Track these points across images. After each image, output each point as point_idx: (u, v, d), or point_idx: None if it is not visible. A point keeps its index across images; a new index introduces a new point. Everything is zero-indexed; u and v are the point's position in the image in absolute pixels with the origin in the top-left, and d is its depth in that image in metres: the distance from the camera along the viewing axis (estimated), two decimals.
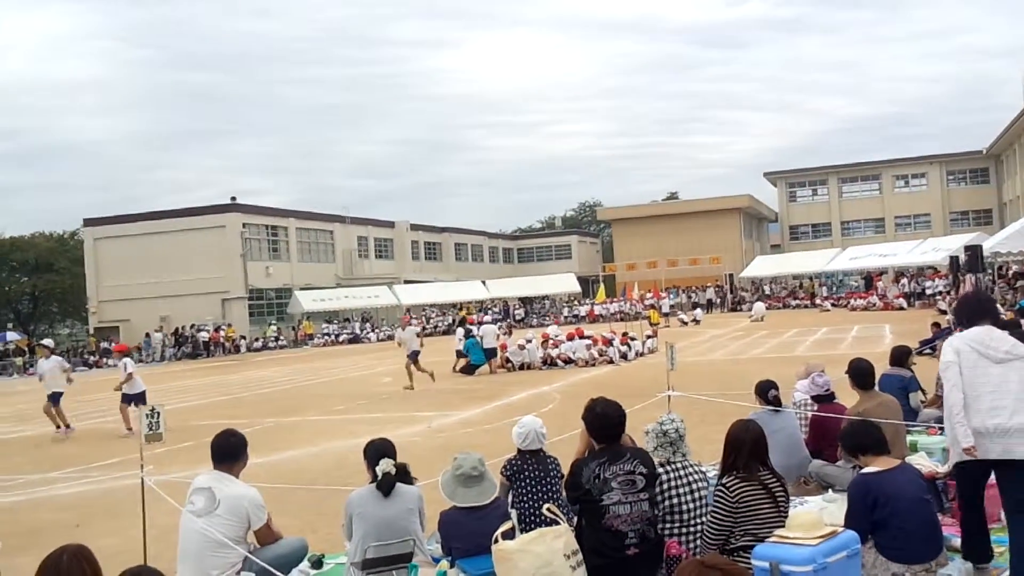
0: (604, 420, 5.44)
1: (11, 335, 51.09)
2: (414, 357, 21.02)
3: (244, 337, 49.90)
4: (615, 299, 52.86)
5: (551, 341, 25.88)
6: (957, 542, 5.67)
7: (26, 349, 48.47)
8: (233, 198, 54.32)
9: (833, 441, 7.21)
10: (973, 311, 5.73)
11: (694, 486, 5.59)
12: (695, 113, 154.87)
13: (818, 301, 49.88)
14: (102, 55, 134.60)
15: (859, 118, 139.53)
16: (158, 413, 6.42)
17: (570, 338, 25.57)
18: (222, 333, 48.88)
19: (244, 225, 52.82)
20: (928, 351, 15.48)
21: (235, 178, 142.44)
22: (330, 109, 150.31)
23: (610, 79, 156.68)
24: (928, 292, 43.27)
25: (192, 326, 49.05)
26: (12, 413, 22.66)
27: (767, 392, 7.94)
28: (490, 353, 24.40)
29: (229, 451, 6.23)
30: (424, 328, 53.99)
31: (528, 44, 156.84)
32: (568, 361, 24.30)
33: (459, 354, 24.95)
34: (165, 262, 51.25)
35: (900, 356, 10.18)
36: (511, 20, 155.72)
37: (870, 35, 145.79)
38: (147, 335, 48.68)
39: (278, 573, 5.76)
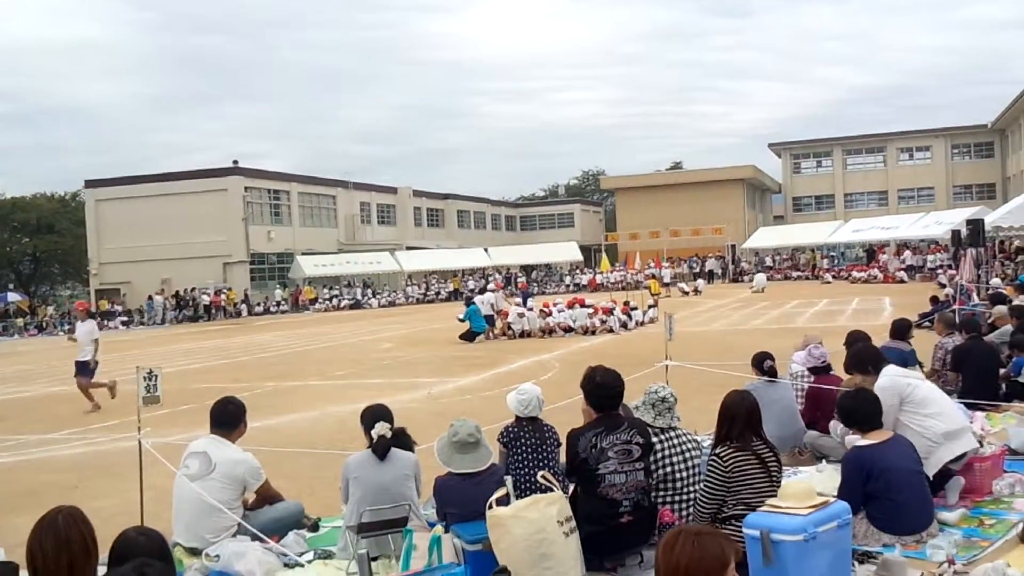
0: (603, 389, 5.47)
1: (12, 296, 51.19)
2: (85, 371, 14.85)
3: (245, 301, 49.95)
4: (617, 268, 52.83)
5: (550, 309, 25.89)
6: (947, 515, 5.71)
7: (27, 310, 48.61)
8: (235, 162, 54.19)
9: (828, 413, 7.25)
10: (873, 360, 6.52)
11: (688, 455, 5.63)
12: (701, 82, 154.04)
13: (819, 273, 49.85)
14: (105, 17, 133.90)
15: (866, 88, 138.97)
16: (155, 376, 6.43)
17: (570, 306, 25.58)
18: (223, 297, 48.89)
19: (246, 189, 52.69)
20: (927, 324, 15.49)
21: (236, 142, 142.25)
22: (331, 74, 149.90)
23: (615, 46, 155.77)
24: (928, 266, 43.24)
25: (193, 289, 49.06)
26: (13, 374, 22.73)
27: (763, 363, 7.97)
28: (488, 320, 24.53)
29: (227, 418, 6.28)
30: (425, 294, 54.42)
31: (532, 9, 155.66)
32: (568, 329, 24.34)
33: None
34: (167, 225, 51.15)
35: (901, 329, 10.22)
36: None
37: (879, 4, 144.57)
38: (149, 297, 48.69)
39: (266, 538, 5.82)
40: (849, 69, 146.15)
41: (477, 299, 26.33)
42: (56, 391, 17.91)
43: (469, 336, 23.90)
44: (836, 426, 6.91)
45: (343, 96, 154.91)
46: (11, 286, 59.77)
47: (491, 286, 33.38)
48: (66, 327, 45.77)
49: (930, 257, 44.10)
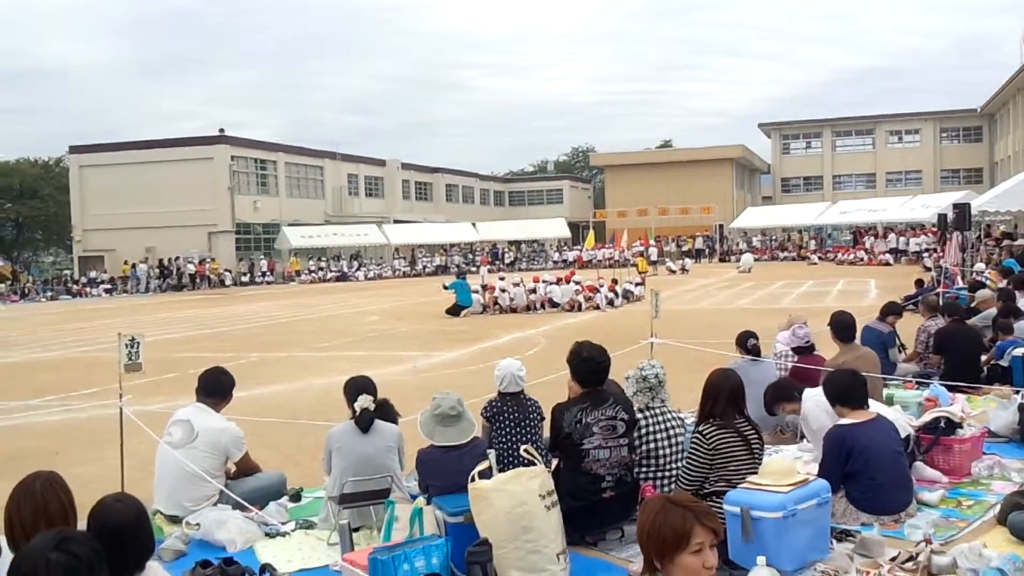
0: (590, 364, 5.48)
1: None
2: None
3: (230, 271, 49.74)
4: (604, 245, 52.85)
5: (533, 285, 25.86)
6: (927, 495, 5.75)
7: (9, 276, 48.25)
8: (221, 130, 53.68)
9: None
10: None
11: (671, 432, 5.65)
12: (691, 60, 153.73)
13: (806, 254, 49.99)
14: None
15: (855, 70, 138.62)
16: (137, 343, 6.39)
17: (557, 282, 25.56)
18: (207, 266, 48.64)
19: (232, 158, 52.24)
20: (911, 307, 15.57)
21: (222, 110, 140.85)
22: (321, 41, 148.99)
23: (608, 23, 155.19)
24: (913, 250, 43.41)
25: (177, 258, 48.79)
26: None
27: (746, 342, 8.00)
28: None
29: (218, 388, 6.27)
30: (412, 268, 54.34)
31: None
32: (554, 304, 24.36)
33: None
34: (152, 192, 50.71)
35: (888, 310, 10.30)
36: None
37: None
38: (134, 265, 48.38)
39: (250, 506, 5.82)
40: (836, 50, 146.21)
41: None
42: (38, 358, 17.84)
43: (455, 310, 23.90)
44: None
45: (332, 64, 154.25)
46: None
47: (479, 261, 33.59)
48: (49, 294, 45.62)
49: (914, 240, 44.25)
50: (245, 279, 49.95)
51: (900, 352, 10.36)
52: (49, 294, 45.76)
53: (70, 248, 57.96)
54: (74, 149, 55.38)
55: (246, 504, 5.82)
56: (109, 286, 47.23)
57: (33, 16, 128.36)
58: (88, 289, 46.67)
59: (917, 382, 9.05)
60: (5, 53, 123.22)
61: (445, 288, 24.85)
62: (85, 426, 10.28)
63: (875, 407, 5.98)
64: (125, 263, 49.09)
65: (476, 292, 24.84)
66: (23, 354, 18.46)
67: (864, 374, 6.19)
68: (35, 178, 63.61)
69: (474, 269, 39.27)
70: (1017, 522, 5.00)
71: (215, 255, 50.36)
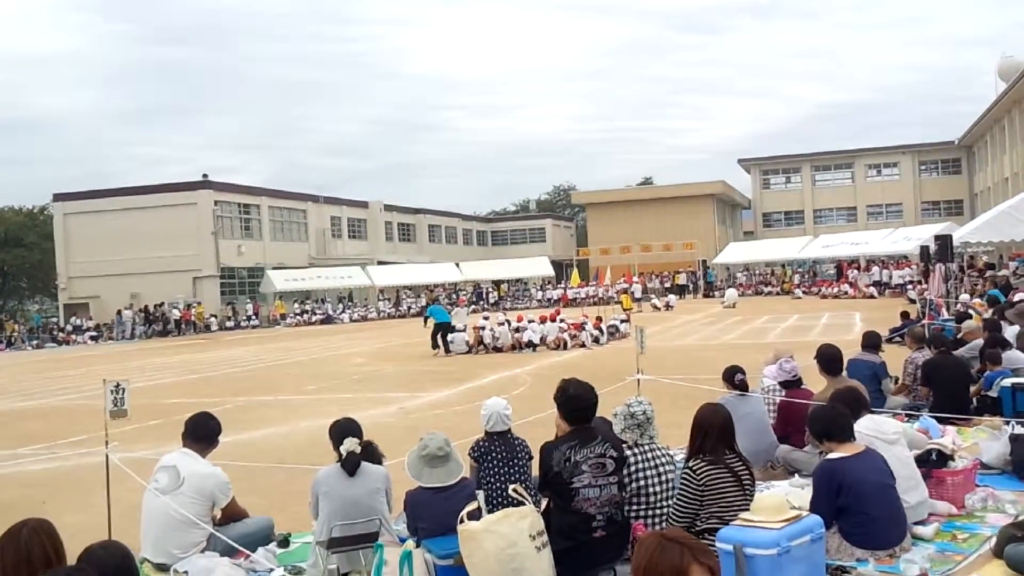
0: (577, 401, 5.45)
1: None
2: None
3: (215, 315, 49.55)
4: (588, 283, 52.92)
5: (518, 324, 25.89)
6: (921, 529, 5.72)
7: None
8: (205, 175, 53.72)
9: (800, 426, 7.27)
10: (857, 404, 6.32)
11: (661, 469, 5.61)
12: (671, 98, 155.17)
13: (789, 288, 50.15)
14: (76, 28, 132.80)
15: (835, 105, 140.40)
16: (123, 389, 6.35)
17: (543, 321, 25.55)
18: (193, 311, 48.48)
19: (216, 203, 52.24)
20: (898, 339, 15.62)
21: (207, 155, 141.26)
22: (302, 87, 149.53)
23: (585, 62, 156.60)
24: (896, 282, 43.62)
25: (162, 304, 48.63)
26: None
27: (733, 376, 8.00)
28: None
29: (205, 433, 6.23)
30: (397, 309, 54.21)
31: (503, 25, 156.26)
32: (531, 345, 24.26)
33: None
34: (136, 239, 50.62)
35: (872, 341, 10.28)
36: (488, 0, 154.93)
37: (847, 21, 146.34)
38: (119, 312, 48.15)
39: (245, 550, 5.76)
40: (815, 86, 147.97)
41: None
42: (24, 406, 17.67)
43: (438, 331, 24.31)
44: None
45: (314, 109, 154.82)
46: None
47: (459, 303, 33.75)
48: (34, 342, 45.29)
49: (897, 272, 44.50)
50: (230, 323, 49.74)
51: (889, 383, 10.36)
52: (35, 342, 45.43)
53: (55, 296, 57.64)
54: (58, 197, 55.28)
55: (238, 547, 5.75)
56: (95, 333, 46.95)
57: (18, 67, 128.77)
58: (73, 336, 46.35)
59: (907, 414, 9.04)
60: None
61: (425, 319, 25.33)
62: (72, 474, 10.17)
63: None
64: (85, 308, 48.77)
65: (463, 331, 24.92)
66: (9, 403, 18.26)
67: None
68: (20, 226, 63.43)
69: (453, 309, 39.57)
70: (1015, 555, 4.96)
71: (200, 300, 50.18)
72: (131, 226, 51.03)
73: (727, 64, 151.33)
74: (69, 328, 48.01)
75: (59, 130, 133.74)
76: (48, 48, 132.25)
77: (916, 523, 5.74)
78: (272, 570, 5.73)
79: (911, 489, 5.82)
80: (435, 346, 24.45)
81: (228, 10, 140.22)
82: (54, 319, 52.86)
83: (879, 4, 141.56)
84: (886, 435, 5.97)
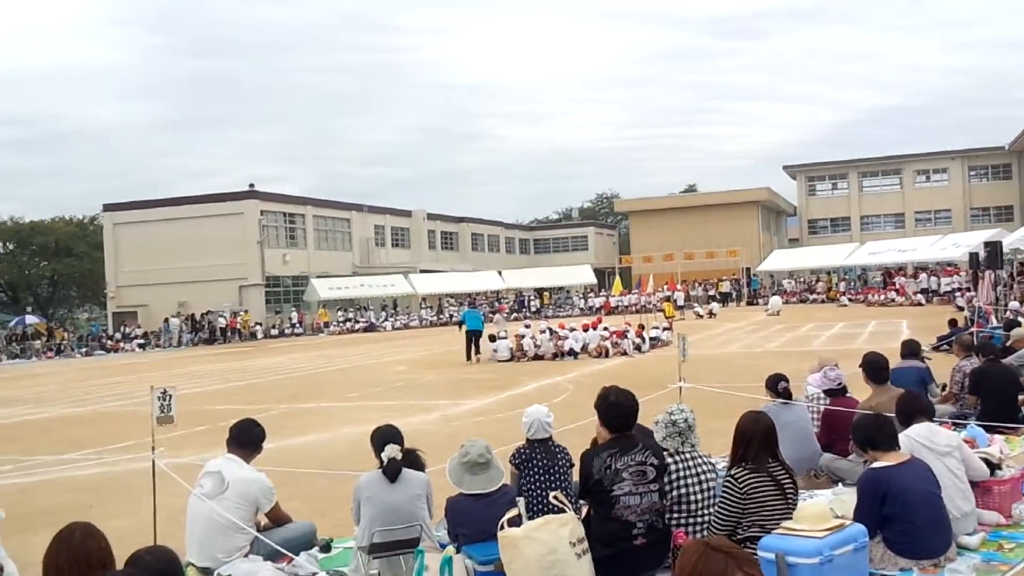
0: (617, 409, 5.44)
1: (30, 319, 51.54)
2: None
3: (260, 323, 50.12)
4: (631, 291, 52.78)
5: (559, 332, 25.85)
6: (966, 538, 5.63)
7: (44, 333, 48.93)
8: (251, 185, 54.46)
9: (844, 435, 7.19)
10: (910, 411, 6.20)
11: (702, 477, 5.57)
12: (714, 104, 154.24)
13: (835, 295, 49.55)
14: (122, 42, 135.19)
15: (881, 110, 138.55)
16: (169, 396, 6.44)
17: (585, 329, 25.52)
18: (239, 319, 49.10)
19: (262, 212, 52.95)
20: (945, 347, 15.39)
21: (252, 165, 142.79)
22: (342, 97, 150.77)
23: (627, 69, 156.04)
24: (944, 289, 42.97)
25: (209, 312, 49.32)
26: (31, 395, 22.82)
27: (777, 385, 7.92)
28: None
29: (249, 439, 6.30)
30: (439, 317, 54.42)
31: (542, 33, 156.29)
32: (571, 353, 24.19)
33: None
34: (183, 248, 51.43)
35: (912, 349, 10.16)
36: (527, 8, 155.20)
37: (890, 24, 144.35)
38: (166, 320, 48.96)
39: (289, 553, 5.82)
40: (859, 90, 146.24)
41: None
42: (72, 412, 18.00)
43: (471, 338, 24.52)
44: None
45: (357, 119, 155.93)
46: (29, 309, 60.13)
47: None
48: (83, 350, 46.13)
49: (945, 280, 43.82)
50: (275, 331, 50.28)
51: (936, 389, 10.22)
52: (84, 350, 46.25)
53: (104, 304, 58.67)
54: (108, 207, 56.35)
55: (283, 550, 5.81)
56: (142, 341, 47.71)
57: (67, 81, 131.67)
58: (122, 344, 47.14)
59: (954, 423, 8.90)
60: (40, 117, 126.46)
61: (460, 324, 25.44)
62: (119, 479, 10.34)
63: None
64: (134, 316, 49.61)
65: (504, 337, 24.91)
66: (59, 409, 18.62)
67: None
68: (70, 236, 64.77)
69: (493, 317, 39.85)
70: None
71: (246, 308, 50.81)
72: (178, 235, 51.84)
73: (769, 69, 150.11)
74: (118, 336, 48.84)
75: (106, 142, 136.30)
76: (94, 61, 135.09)
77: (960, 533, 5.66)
78: (314, 574, 5.78)
79: (961, 500, 5.73)
80: (469, 357, 24.53)
81: (268, 23, 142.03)
82: (104, 327, 53.79)
83: (922, 7, 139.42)
84: (937, 446, 5.86)
